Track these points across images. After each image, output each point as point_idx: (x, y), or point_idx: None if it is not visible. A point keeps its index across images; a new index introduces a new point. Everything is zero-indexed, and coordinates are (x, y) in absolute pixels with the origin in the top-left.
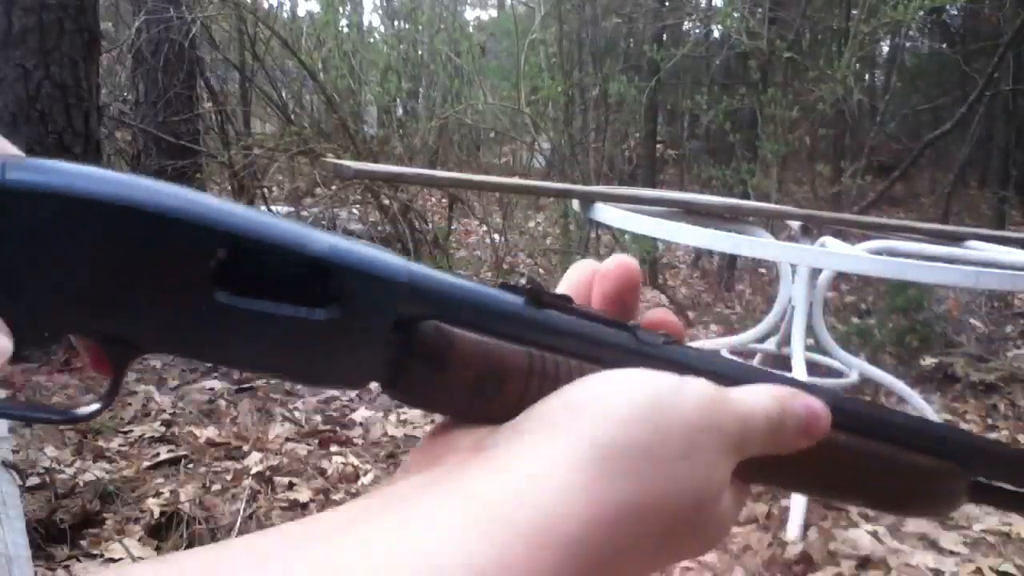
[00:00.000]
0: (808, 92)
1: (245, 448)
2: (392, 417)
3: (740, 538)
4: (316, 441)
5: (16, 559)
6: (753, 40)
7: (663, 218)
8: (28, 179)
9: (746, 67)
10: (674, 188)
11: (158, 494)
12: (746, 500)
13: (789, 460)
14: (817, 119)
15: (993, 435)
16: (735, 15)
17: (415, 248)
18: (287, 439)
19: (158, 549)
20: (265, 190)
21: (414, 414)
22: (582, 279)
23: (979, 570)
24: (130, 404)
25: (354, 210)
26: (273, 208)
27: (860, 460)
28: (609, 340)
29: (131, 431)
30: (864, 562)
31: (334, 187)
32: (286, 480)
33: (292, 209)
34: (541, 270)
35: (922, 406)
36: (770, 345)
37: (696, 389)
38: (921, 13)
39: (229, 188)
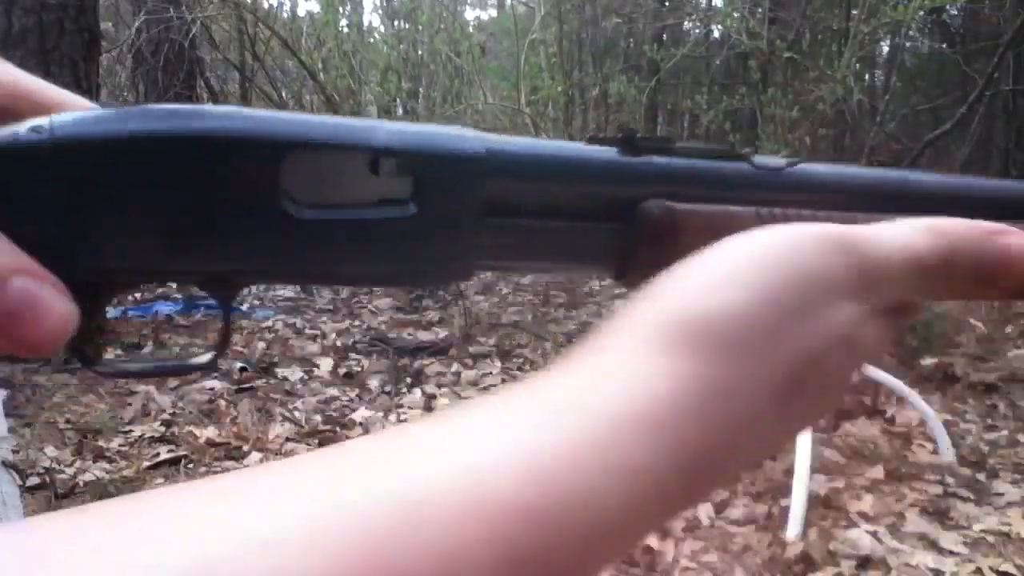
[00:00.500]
0: (808, 92)
1: (245, 448)
2: (392, 417)
3: (740, 538)
4: (316, 441)
5: None
6: (753, 40)
7: None
8: (76, 130)
9: (746, 67)
10: None
11: None
12: (894, 335)
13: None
14: (817, 119)
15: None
16: (735, 15)
17: None
18: (287, 439)
19: None
20: None
21: (414, 413)
22: None
23: (979, 570)
24: (130, 404)
25: None
26: None
27: None
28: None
29: (131, 431)
30: (864, 562)
31: None
32: None
33: None
34: None
35: (922, 406)
36: None
37: (810, 234)
38: (921, 13)
39: None
